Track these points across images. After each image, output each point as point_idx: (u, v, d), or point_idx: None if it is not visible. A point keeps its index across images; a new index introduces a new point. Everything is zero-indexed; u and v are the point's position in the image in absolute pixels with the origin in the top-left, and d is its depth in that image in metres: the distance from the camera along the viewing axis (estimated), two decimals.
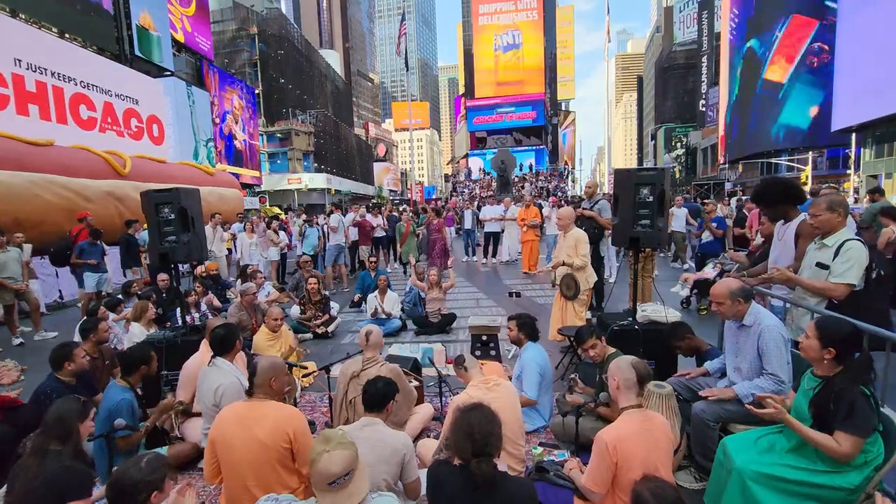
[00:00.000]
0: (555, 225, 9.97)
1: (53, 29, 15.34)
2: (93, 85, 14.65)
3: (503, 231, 11.90)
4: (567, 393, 3.40)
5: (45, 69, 12.93)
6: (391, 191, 67.88)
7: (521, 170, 37.59)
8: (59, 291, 8.82)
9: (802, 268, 2.94)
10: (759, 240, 4.44)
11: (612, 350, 3.21)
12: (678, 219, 9.51)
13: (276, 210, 25.64)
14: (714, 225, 7.27)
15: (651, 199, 3.66)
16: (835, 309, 2.66)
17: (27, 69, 12.34)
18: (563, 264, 4.94)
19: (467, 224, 12.68)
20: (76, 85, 14.00)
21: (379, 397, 2.29)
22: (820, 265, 2.79)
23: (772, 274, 2.89)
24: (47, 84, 12.97)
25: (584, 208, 6.40)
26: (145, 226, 4.61)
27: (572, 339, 3.88)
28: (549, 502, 2.36)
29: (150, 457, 1.83)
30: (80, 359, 3.19)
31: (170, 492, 1.80)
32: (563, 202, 16.02)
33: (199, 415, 3.20)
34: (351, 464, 1.64)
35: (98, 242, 7.53)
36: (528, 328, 3.60)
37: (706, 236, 7.52)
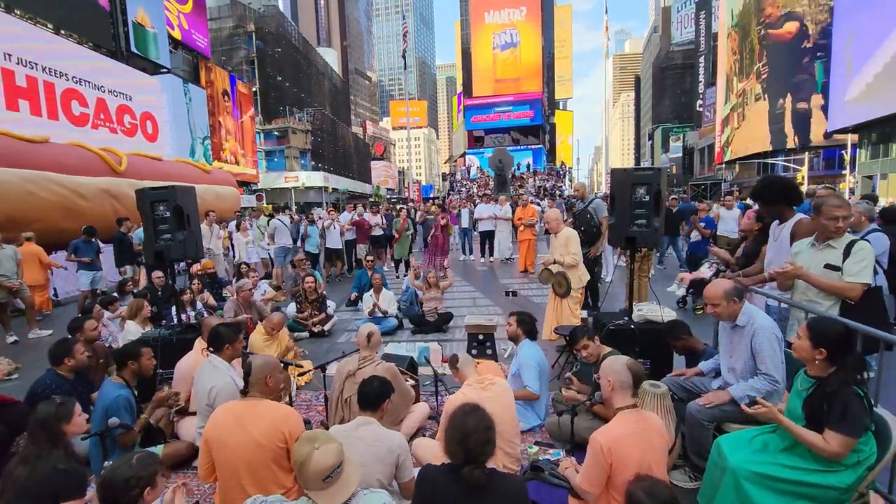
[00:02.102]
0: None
1: (49, 25, 15.23)
2: (85, 80, 14.56)
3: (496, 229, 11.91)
4: (564, 388, 3.41)
5: (36, 64, 12.83)
6: (388, 189, 67.79)
7: (518, 169, 37.57)
8: (54, 289, 8.77)
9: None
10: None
11: (607, 349, 3.22)
12: (725, 221, 7.68)
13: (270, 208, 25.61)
14: (702, 225, 7.32)
15: (647, 198, 3.68)
16: (850, 310, 2.64)
17: (17, 64, 12.24)
18: (555, 262, 4.98)
19: (464, 223, 12.68)
20: (68, 80, 13.90)
21: (374, 396, 2.29)
22: (830, 266, 2.75)
23: (784, 268, 2.85)
24: (38, 79, 12.87)
25: (578, 209, 6.46)
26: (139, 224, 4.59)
27: (567, 337, 3.89)
28: (543, 501, 2.36)
29: (140, 454, 1.82)
30: (79, 355, 3.18)
31: (162, 488, 1.79)
32: (536, 202, 15.65)
33: (194, 413, 3.19)
34: (341, 455, 1.71)
35: (92, 240, 7.50)
36: (526, 325, 3.63)
37: (694, 236, 7.59)
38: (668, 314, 3.89)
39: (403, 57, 34.49)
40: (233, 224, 10.54)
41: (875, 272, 3.74)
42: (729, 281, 2.88)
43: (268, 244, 9.77)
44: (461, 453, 1.75)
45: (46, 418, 2.19)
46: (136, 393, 3.09)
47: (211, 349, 3.00)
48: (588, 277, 5.14)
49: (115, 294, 6.03)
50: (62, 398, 2.33)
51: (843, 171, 27.65)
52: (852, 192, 23.46)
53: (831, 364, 2.10)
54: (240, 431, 2.18)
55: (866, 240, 2.74)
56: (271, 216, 10.82)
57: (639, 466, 1.94)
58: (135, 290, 6.35)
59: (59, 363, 3.13)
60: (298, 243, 9.58)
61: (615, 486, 2.01)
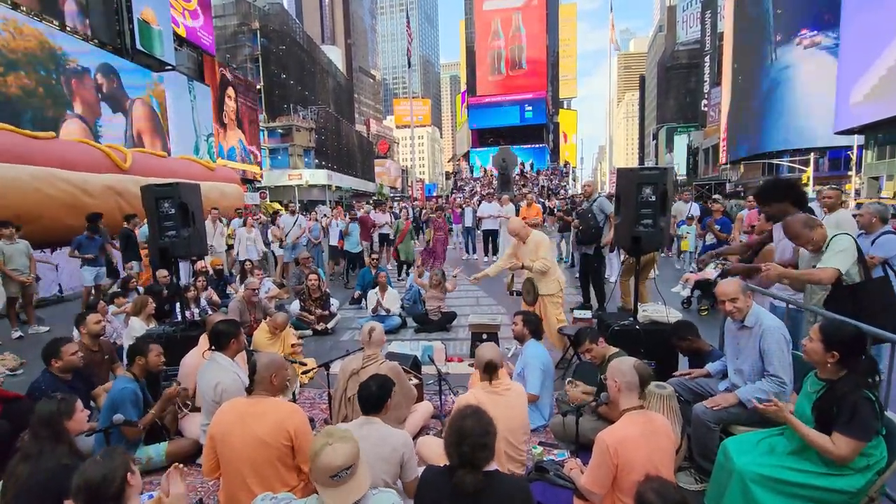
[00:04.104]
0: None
1: (55, 22, 15.27)
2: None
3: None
4: (569, 386, 3.39)
5: None
6: (391, 188, 67.77)
7: (521, 169, 37.43)
8: (59, 285, 8.81)
9: None
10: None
11: (613, 350, 3.20)
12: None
13: (277, 206, 25.66)
14: (718, 227, 7.19)
15: (654, 198, 3.65)
16: (835, 303, 2.72)
17: None
18: (523, 268, 4.73)
19: (468, 222, 12.64)
20: None
21: (374, 399, 2.25)
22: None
23: (767, 273, 2.91)
24: None
25: (583, 207, 6.41)
26: (144, 220, 4.60)
27: (571, 339, 3.87)
28: (548, 502, 2.35)
29: (103, 451, 1.77)
30: (68, 356, 3.09)
31: (139, 474, 1.75)
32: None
33: (198, 410, 3.19)
34: (353, 458, 1.63)
35: (96, 236, 7.50)
36: (532, 325, 3.63)
37: (709, 238, 7.47)
38: (673, 315, 3.86)
39: (409, 55, 34.46)
40: (235, 221, 10.54)
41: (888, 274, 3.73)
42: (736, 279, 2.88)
43: (271, 241, 9.83)
44: (457, 456, 1.74)
45: (48, 415, 2.18)
46: (144, 388, 3.11)
47: (214, 347, 2.99)
48: (564, 281, 4.87)
49: (119, 289, 6.03)
50: (63, 395, 2.31)
51: (849, 172, 27.44)
52: (858, 193, 23.32)
53: (843, 367, 2.08)
54: (244, 429, 2.18)
55: (845, 233, 2.82)
56: (277, 213, 10.88)
57: (645, 467, 1.92)
58: (139, 288, 6.36)
59: (49, 364, 3.09)
60: (336, 241, 9.81)
61: (621, 487, 1.99)
